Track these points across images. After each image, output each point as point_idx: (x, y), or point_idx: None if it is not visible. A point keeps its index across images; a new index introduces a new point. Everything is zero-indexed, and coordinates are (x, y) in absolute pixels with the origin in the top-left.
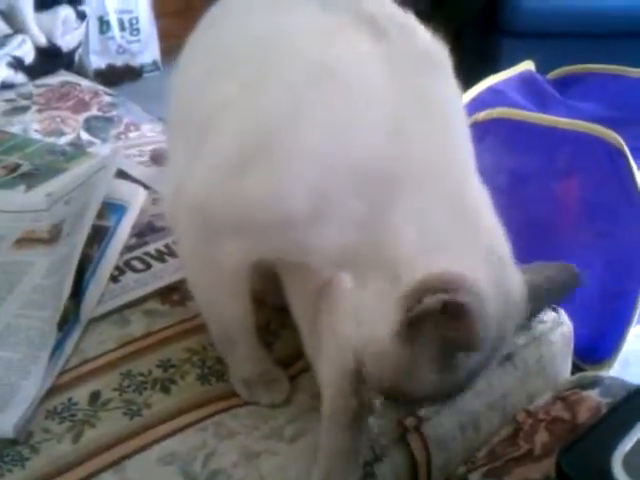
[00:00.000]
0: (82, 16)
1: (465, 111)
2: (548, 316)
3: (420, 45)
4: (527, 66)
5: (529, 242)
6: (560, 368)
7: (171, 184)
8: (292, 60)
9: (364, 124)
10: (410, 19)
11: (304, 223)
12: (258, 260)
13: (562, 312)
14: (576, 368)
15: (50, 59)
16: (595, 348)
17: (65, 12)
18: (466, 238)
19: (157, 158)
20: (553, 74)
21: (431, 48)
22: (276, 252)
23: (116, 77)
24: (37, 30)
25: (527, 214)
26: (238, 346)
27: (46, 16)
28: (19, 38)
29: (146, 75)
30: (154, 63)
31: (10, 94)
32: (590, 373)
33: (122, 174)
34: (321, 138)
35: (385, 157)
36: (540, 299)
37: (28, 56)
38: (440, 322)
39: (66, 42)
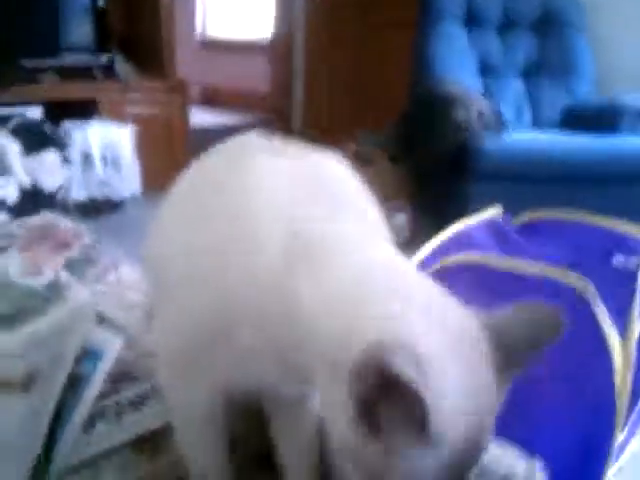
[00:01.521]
0: (67, 160)
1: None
2: (520, 466)
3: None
4: (495, 211)
5: None
6: None
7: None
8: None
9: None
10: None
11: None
12: (231, 398)
13: (536, 462)
14: None
15: (33, 199)
16: None
17: (51, 157)
18: (394, 299)
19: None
20: (518, 220)
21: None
22: (237, 380)
23: (96, 210)
24: (23, 173)
25: None
26: None
27: (32, 160)
28: (2, 179)
29: (126, 208)
30: (134, 197)
31: None
32: None
33: (100, 318)
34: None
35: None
36: (515, 347)
37: (11, 197)
38: (390, 400)
39: (50, 183)
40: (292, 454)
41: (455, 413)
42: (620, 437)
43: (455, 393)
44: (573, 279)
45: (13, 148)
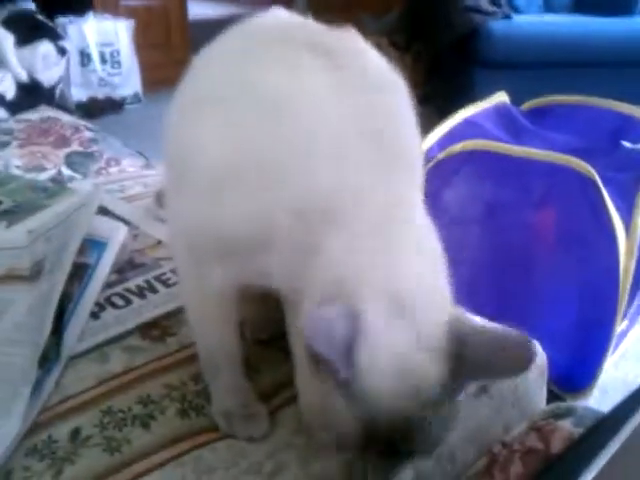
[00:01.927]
0: (62, 52)
1: (418, 133)
2: None
3: (373, 72)
4: (501, 97)
5: (505, 271)
6: (535, 398)
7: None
8: (252, 95)
9: (308, 155)
10: (365, 49)
11: (259, 248)
12: (245, 286)
13: (535, 342)
14: (556, 397)
15: (31, 94)
16: (573, 377)
17: (45, 48)
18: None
19: (161, 199)
20: (526, 105)
21: (384, 74)
22: (251, 277)
23: (97, 109)
24: (18, 66)
25: (503, 244)
26: (222, 374)
27: (27, 52)
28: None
29: (127, 107)
30: (135, 95)
31: None
32: (564, 403)
33: (102, 210)
34: (265, 171)
35: (322, 189)
36: (473, 363)
37: (9, 92)
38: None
39: (47, 77)
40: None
41: (378, 380)
42: (622, 325)
43: (382, 368)
44: (579, 165)
45: (8, 39)
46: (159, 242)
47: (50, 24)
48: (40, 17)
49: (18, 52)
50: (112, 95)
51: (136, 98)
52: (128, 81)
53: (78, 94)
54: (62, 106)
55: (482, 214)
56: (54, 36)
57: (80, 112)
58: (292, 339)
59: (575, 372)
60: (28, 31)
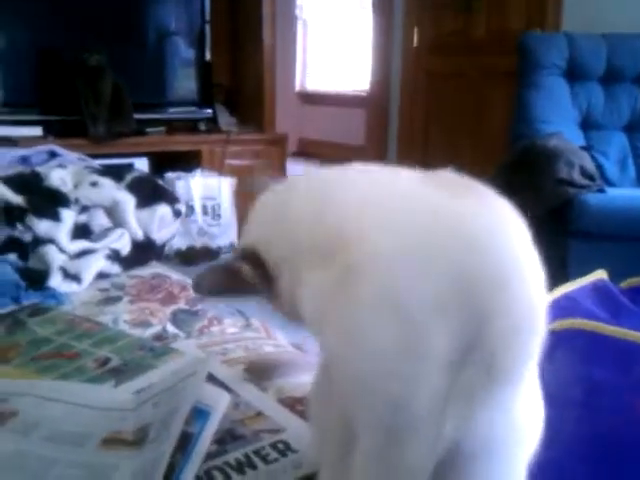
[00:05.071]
0: (178, 214)
1: None
2: None
3: None
4: (600, 274)
5: (601, 455)
6: None
7: None
8: None
9: None
10: None
11: None
12: None
13: None
14: None
15: (144, 251)
16: None
17: (163, 210)
18: None
19: (254, 372)
20: (625, 283)
21: None
22: None
23: (194, 257)
24: (136, 225)
25: (601, 427)
26: None
27: (145, 213)
28: (118, 232)
29: (223, 256)
30: (231, 245)
31: (104, 284)
32: None
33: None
34: None
35: None
36: None
37: (125, 249)
38: None
39: (161, 236)
40: None
41: None
42: None
43: None
44: None
45: (130, 202)
46: (259, 413)
47: (168, 190)
48: (160, 182)
49: (137, 213)
50: (209, 244)
51: (232, 247)
52: (225, 232)
53: (178, 242)
54: (165, 255)
55: (581, 395)
56: (172, 200)
57: (177, 259)
58: None
59: None
60: (149, 194)
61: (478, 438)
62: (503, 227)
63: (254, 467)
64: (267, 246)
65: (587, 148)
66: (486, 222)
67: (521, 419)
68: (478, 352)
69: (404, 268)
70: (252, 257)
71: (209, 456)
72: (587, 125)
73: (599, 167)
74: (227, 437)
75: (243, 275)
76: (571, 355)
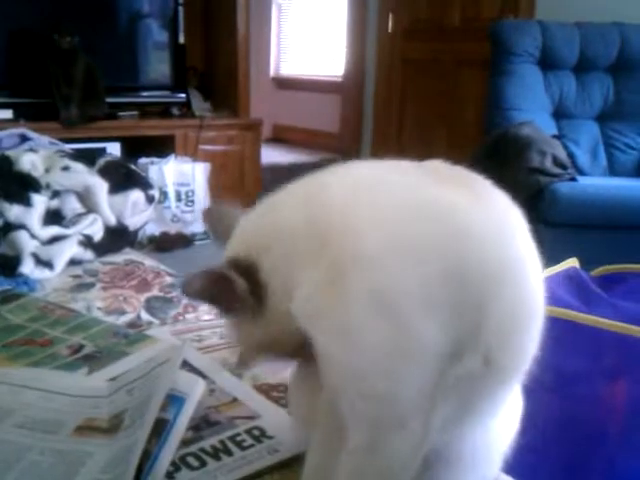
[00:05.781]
0: (151, 200)
1: None
2: None
3: None
4: (572, 262)
5: (573, 441)
6: None
7: None
8: None
9: None
10: None
11: None
12: None
13: None
14: None
15: (117, 238)
16: None
17: (136, 196)
18: None
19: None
20: (597, 271)
21: None
22: None
23: (168, 244)
24: (109, 211)
25: (572, 414)
26: None
27: (118, 199)
28: (91, 217)
29: (197, 243)
30: (205, 232)
31: (77, 270)
32: None
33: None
34: None
35: None
36: None
37: (97, 234)
38: None
39: (134, 222)
40: None
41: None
42: None
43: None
44: None
45: (102, 187)
46: (234, 400)
47: (142, 174)
48: (133, 167)
49: (110, 198)
50: (183, 231)
51: (206, 235)
52: (199, 218)
53: (151, 229)
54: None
55: (553, 382)
56: (145, 185)
57: (151, 246)
58: None
59: None
60: (121, 179)
61: (463, 445)
62: (498, 218)
63: (230, 453)
64: (259, 250)
65: (559, 137)
66: (479, 214)
67: (501, 432)
68: (474, 344)
69: (390, 265)
70: (242, 266)
71: (184, 442)
72: (559, 114)
73: (571, 156)
74: (202, 424)
75: (234, 286)
76: (544, 342)
